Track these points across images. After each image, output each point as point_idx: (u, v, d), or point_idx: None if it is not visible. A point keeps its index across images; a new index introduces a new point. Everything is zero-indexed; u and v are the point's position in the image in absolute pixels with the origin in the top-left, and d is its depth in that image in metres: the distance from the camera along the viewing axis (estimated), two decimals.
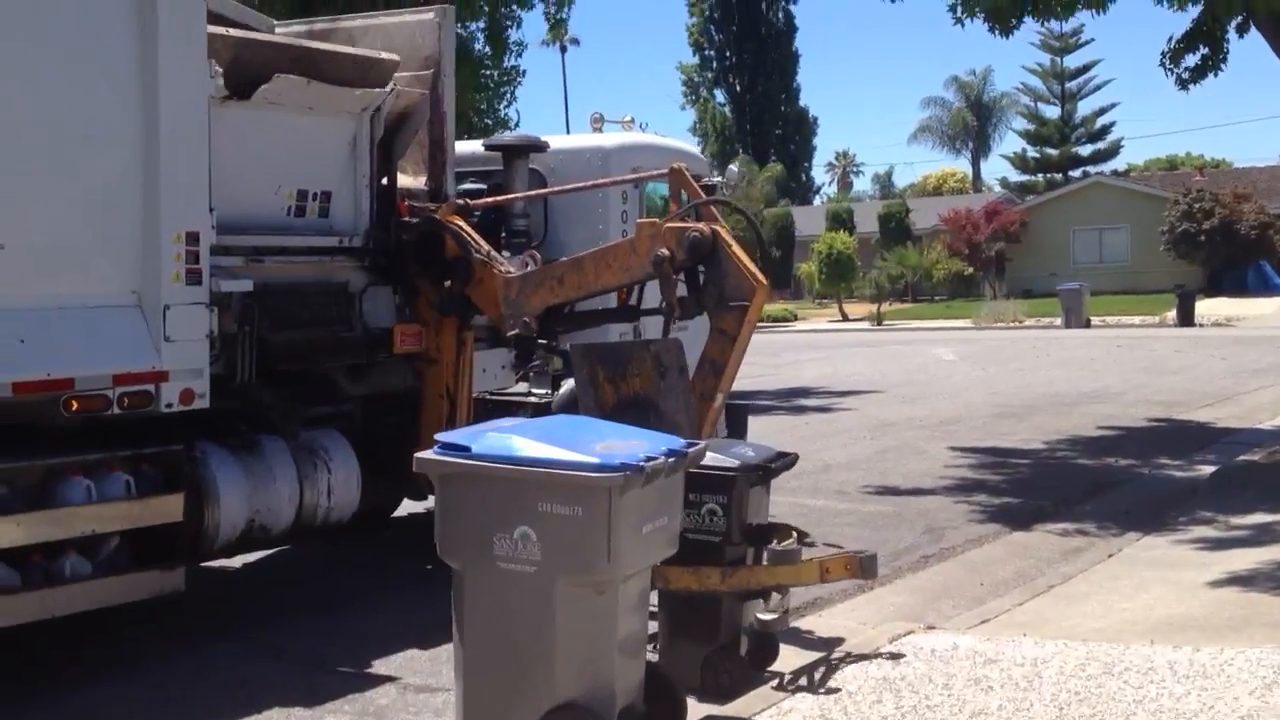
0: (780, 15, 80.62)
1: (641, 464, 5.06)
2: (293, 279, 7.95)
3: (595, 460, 5.02)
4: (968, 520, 10.70)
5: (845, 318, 47.67)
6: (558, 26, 21.09)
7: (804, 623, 7.69)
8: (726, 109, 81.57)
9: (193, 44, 6.90)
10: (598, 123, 10.42)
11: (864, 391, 21.48)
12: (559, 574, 5.07)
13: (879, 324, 44.57)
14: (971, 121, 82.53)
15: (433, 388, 8.56)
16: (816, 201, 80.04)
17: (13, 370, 6.25)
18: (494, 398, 9.41)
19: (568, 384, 9.38)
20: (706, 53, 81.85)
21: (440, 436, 5.38)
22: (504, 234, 9.42)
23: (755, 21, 79.07)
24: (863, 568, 6.54)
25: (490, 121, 20.81)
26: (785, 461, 6.77)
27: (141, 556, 6.90)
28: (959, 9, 13.77)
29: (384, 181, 8.53)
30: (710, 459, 6.00)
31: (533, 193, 9.35)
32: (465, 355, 8.57)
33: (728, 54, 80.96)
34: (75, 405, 6.53)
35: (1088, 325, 38.28)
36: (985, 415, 17.75)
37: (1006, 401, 19.29)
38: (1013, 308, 42.82)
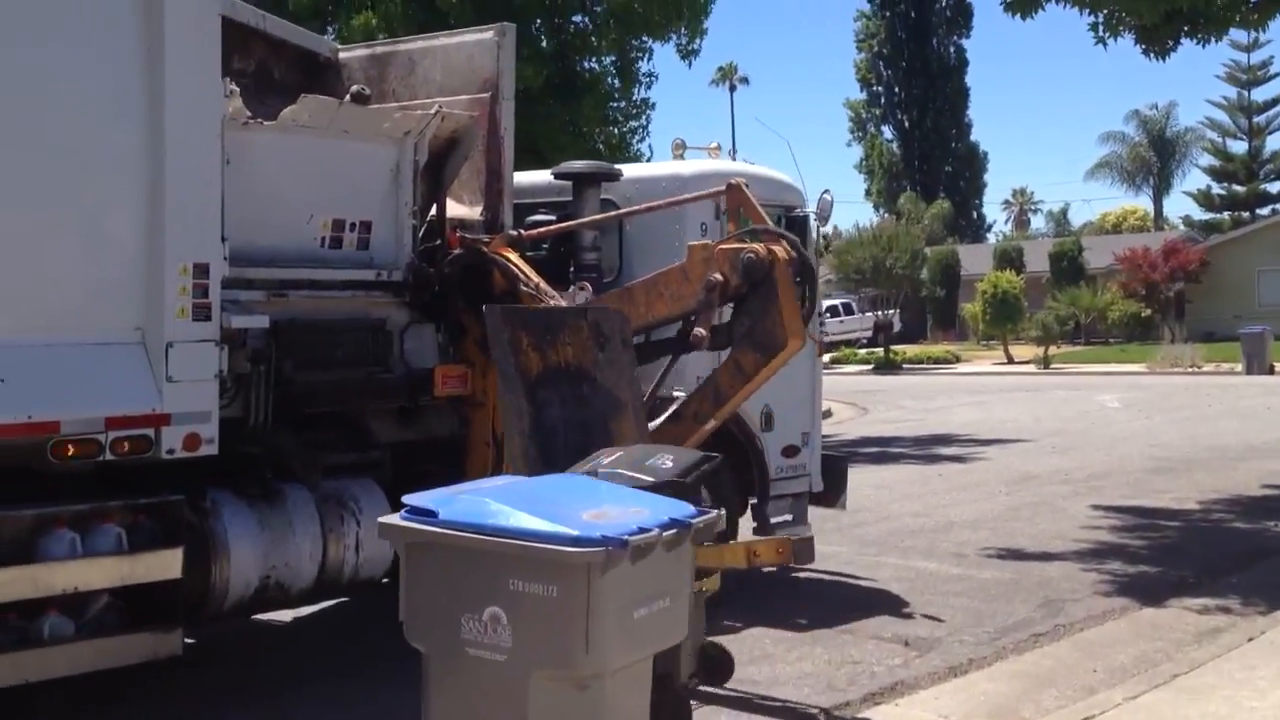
0: (951, 50, 78.84)
1: (628, 537, 4.28)
2: (323, 315, 7.36)
3: (574, 532, 4.25)
4: (1093, 592, 9.50)
5: (1010, 360, 45.64)
6: (690, 55, 20.37)
7: (877, 713, 6.73)
8: (894, 145, 79.98)
9: (204, 62, 6.36)
10: (679, 149, 9.65)
11: (1011, 440, 20.11)
12: (532, 665, 4.32)
13: (1045, 367, 42.50)
14: (1152, 158, 79.01)
15: (478, 433, 7.87)
16: (990, 239, 77.73)
17: None
18: None
19: None
20: (874, 89, 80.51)
21: (409, 499, 4.70)
22: (572, 269, 8.69)
23: (925, 57, 77.45)
24: (796, 553, 6.06)
25: (622, 156, 20.24)
26: (703, 470, 5.84)
27: (138, 617, 6.34)
28: (1100, 27, 12.66)
29: (431, 211, 7.91)
30: (628, 477, 5.35)
31: (585, 220, 8.58)
32: None
33: (896, 90, 79.48)
34: (62, 451, 6.02)
35: (1271, 372, 35.75)
36: (1139, 469, 16.29)
37: (1165, 454, 17.73)
38: (1190, 352, 40.33)
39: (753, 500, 9.39)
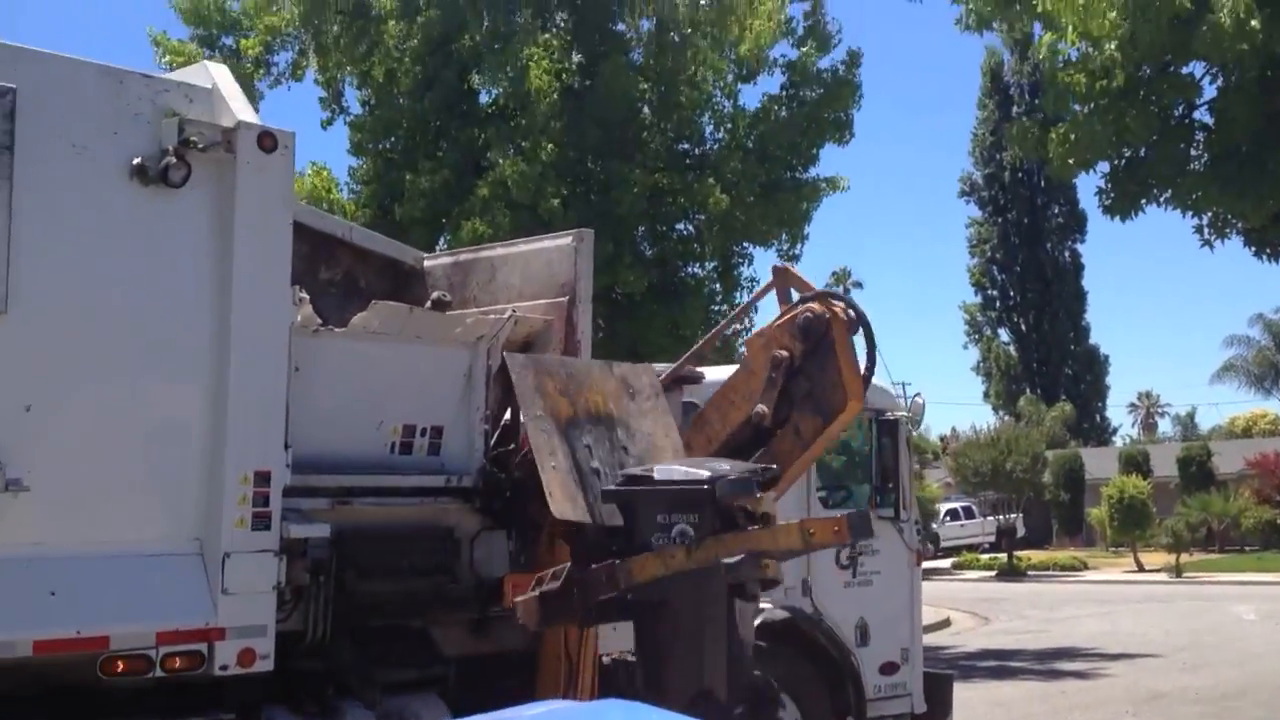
0: (1066, 254, 78.53)
1: None
2: (388, 523, 7.14)
3: None
4: None
5: (1140, 568, 43.66)
6: (791, 260, 20.45)
7: None
8: (1011, 347, 79.16)
9: (272, 271, 6.37)
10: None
11: (1139, 655, 18.91)
12: None
13: (1178, 576, 40.51)
14: None
15: (550, 647, 7.49)
16: (1116, 442, 75.58)
17: (35, 627, 5.59)
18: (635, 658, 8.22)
19: None
20: (989, 292, 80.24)
21: None
22: None
23: (1039, 262, 77.18)
24: (851, 527, 6.03)
25: (727, 359, 20.18)
26: (759, 476, 6.07)
27: None
28: (1206, 230, 12.35)
29: (505, 415, 7.74)
30: (681, 474, 5.69)
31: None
32: None
33: (1011, 293, 79.08)
34: (111, 667, 5.81)
35: None
36: (1277, 687, 15.10)
37: None
38: None
39: None
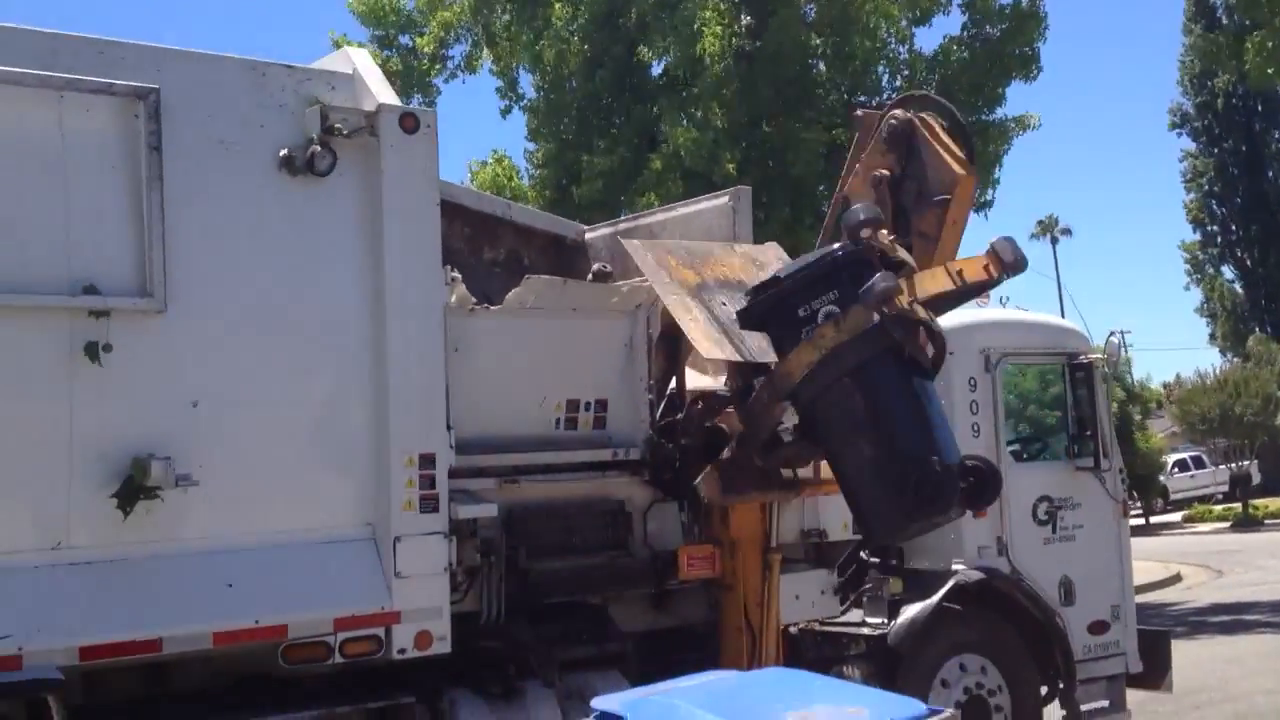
0: None
1: None
2: (557, 499, 7.06)
3: None
4: None
5: None
6: (983, 207, 19.65)
7: None
8: (1236, 285, 75.07)
9: (423, 253, 6.34)
10: None
11: None
12: None
13: None
14: None
15: (731, 619, 7.31)
16: None
17: (214, 618, 5.70)
18: (823, 628, 7.97)
19: (909, 610, 7.80)
20: (1209, 228, 76.07)
21: (596, 702, 4.27)
22: None
23: (1261, 192, 72.80)
24: (1001, 256, 6.20)
25: None
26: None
27: None
28: None
29: (671, 384, 7.57)
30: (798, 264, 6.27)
31: None
32: (771, 580, 7.28)
33: (1233, 227, 74.86)
34: (293, 655, 5.89)
35: None
36: None
37: None
38: None
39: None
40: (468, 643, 6.53)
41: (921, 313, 6.13)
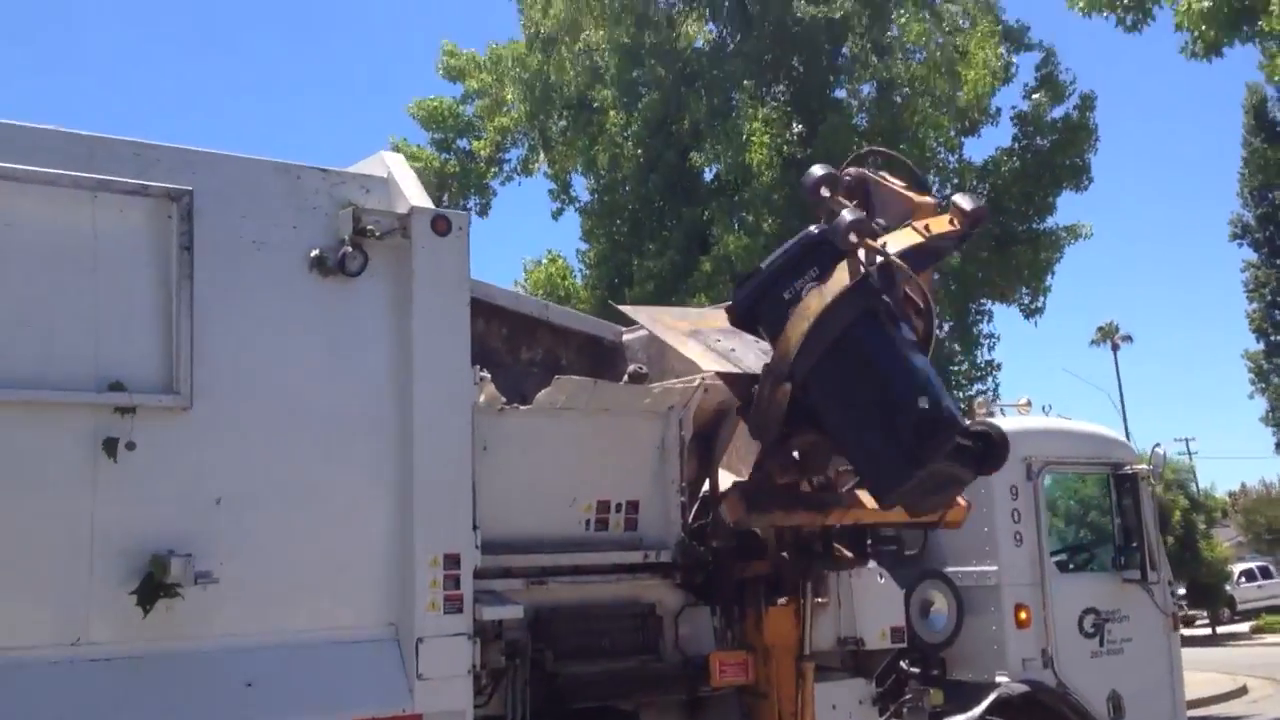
0: None
1: None
2: (586, 601, 6.96)
3: None
4: None
5: None
6: (1034, 314, 19.49)
7: None
8: None
9: (452, 353, 6.33)
10: (981, 406, 8.86)
11: None
12: None
13: None
14: None
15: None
16: None
17: (233, 718, 5.61)
18: None
19: None
20: (1273, 338, 74.81)
21: None
22: (869, 540, 7.95)
23: None
24: (965, 211, 6.34)
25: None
26: None
27: None
28: None
29: (704, 486, 7.47)
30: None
31: None
32: (805, 689, 7.09)
33: None
34: None
35: None
36: None
37: None
38: None
39: None
40: None
41: (898, 261, 6.21)
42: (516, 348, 8.65)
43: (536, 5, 20.28)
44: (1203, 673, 24.75)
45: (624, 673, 6.95)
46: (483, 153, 21.44)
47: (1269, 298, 73.16)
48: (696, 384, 7.32)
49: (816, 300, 6.10)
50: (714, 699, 7.22)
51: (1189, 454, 70.66)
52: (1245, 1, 11.24)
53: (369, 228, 6.16)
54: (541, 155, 21.34)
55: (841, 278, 6.11)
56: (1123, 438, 8.92)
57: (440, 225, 6.34)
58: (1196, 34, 11.82)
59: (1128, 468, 8.51)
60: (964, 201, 6.47)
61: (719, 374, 6.88)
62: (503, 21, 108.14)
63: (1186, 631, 40.86)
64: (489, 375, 6.76)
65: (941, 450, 5.86)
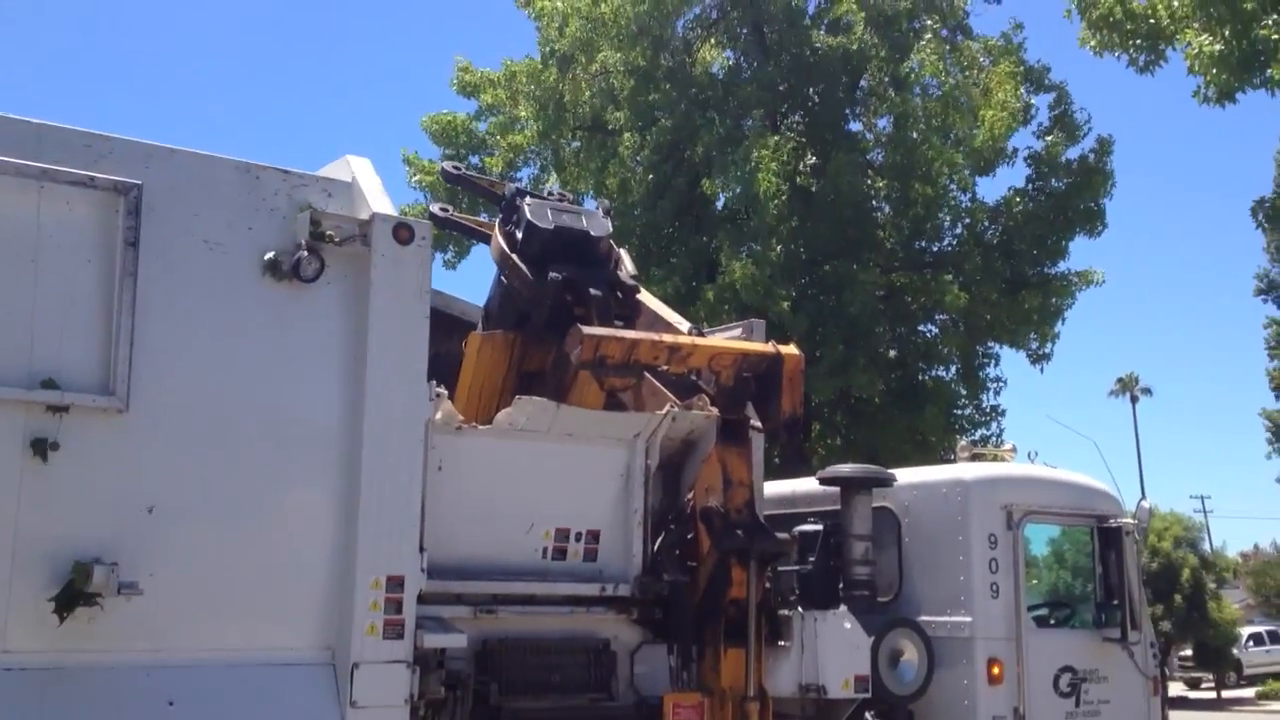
0: None
1: None
2: (538, 634, 6.67)
3: None
4: None
5: None
6: (1041, 360, 19.16)
7: None
8: None
9: (408, 365, 6.11)
10: (965, 450, 8.58)
11: None
12: None
13: None
14: None
15: None
16: None
17: None
18: None
19: None
20: None
21: None
22: (841, 586, 7.66)
23: None
24: None
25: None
26: None
27: None
28: None
29: (669, 520, 7.20)
30: None
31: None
32: None
33: None
34: None
35: None
36: None
37: None
38: None
39: None
40: None
41: None
42: None
43: (553, 24, 20.15)
44: None
45: (573, 710, 6.65)
46: (494, 169, 21.27)
47: None
48: (664, 412, 7.07)
49: None
50: None
51: (1204, 512, 70.17)
52: (1258, 46, 10.94)
53: (328, 232, 5.96)
54: (553, 175, 21.17)
55: None
56: (1110, 490, 8.61)
57: (402, 234, 6.14)
58: (1209, 79, 11.54)
59: (1112, 521, 8.21)
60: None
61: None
62: (519, 40, 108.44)
63: (1192, 694, 40.54)
64: (446, 392, 6.51)
65: None
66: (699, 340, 7.13)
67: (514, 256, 7.52)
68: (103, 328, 5.46)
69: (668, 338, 6.94)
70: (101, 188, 5.50)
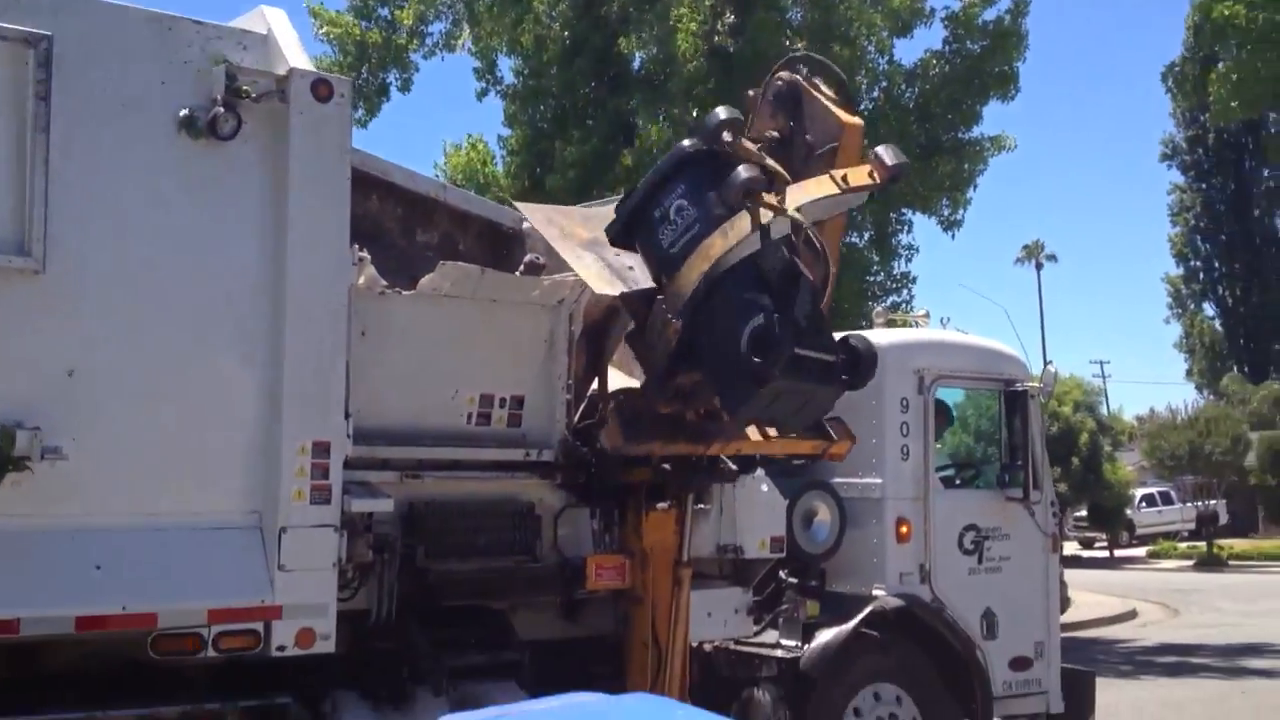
0: (1277, 223, 73.99)
1: None
2: (463, 498, 6.74)
3: None
4: None
5: None
6: (952, 227, 19.38)
7: None
8: (1217, 322, 75.12)
9: (330, 226, 6.00)
10: (880, 316, 8.74)
11: None
12: None
13: None
14: None
15: (638, 633, 7.02)
16: None
17: (78, 602, 5.36)
18: (737, 648, 7.69)
19: (824, 635, 7.54)
20: (1192, 264, 76.11)
21: None
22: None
23: (1247, 230, 72.89)
24: (887, 164, 6.07)
25: None
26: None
27: None
28: None
29: (592, 384, 7.26)
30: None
31: None
32: (682, 595, 6.99)
33: (1216, 265, 74.94)
34: (163, 645, 5.57)
35: None
36: None
37: None
38: None
39: None
40: (357, 644, 6.26)
41: (796, 215, 6.00)
42: (412, 230, 8.30)
43: None
44: (1095, 595, 25.41)
45: (498, 572, 6.78)
46: (405, 23, 20.64)
47: (1192, 222, 74.58)
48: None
49: (720, 241, 5.86)
50: (590, 602, 7.11)
51: (1103, 377, 72.25)
52: None
53: (244, 88, 5.75)
54: (466, 30, 20.64)
55: (743, 225, 5.86)
56: (1018, 354, 8.84)
57: (321, 90, 5.96)
58: None
59: (1019, 384, 8.45)
60: (886, 155, 6.20)
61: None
62: None
63: (1085, 554, 42.21)
64: (369, 256, 6.44)
65: (777, 363, 5.65)
66: None
67: None
68: (15, 186, 5.28)
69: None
70: (10, 39, 5.26)
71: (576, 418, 7.10)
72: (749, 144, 6.29)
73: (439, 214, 8.37)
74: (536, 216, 7.10)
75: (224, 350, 5.80)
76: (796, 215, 6.00)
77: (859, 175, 6.19)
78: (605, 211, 7.00)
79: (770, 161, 6.21)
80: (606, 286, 6.48)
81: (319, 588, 5.85)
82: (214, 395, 5.76)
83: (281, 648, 5.72)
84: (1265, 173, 72.62)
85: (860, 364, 6.10)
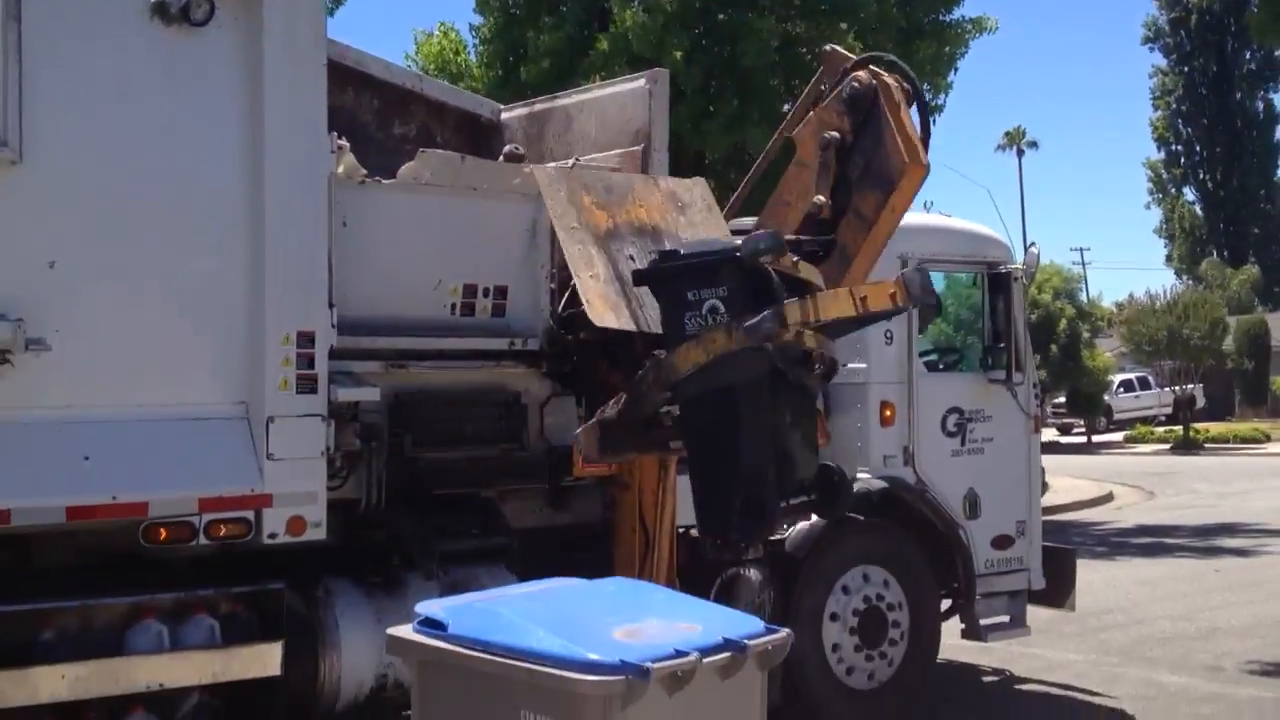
0: (1259, 105, 73.70)
1: (653, 664, 3.42)
2: (449, 387, 6.76)
3: (590, 656, 3.47)
4: None
5: None
6: (933, 112, 19.17)
7: None
8: (1197, 207, 75.20)
9: (307, 119, 5.93)
10: None
11: None
12: None
13: None
14: None
15: (625, 519, 7.08)
16: None
17: (68, 492, 5.40)
18: None
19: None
20: (1174, 148, 75.89)
21: (420, 607, 4.03)
22: None
23: (1228, 113, 72.61)
24: (909, 286, 5.73)
25: None
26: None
27: (236, 718, 5.86)
28: None
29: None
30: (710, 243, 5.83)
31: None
32: (668, 480, 7.05)
33: (1197, 148, 74.77)
34: (154, 535, 5.63)
35: None
36: None
37: None
38: None
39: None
40: (349, 532, 6.33)
41: (811, 341, 5.78)
42: (389, 122, 8.27)
43: None
44: (1073, 479, 25.80)
45: (485, 460, 6.82)
46: None
47: (1173, 105, 74.15)
48: (570, 165, 7.03)
49: (723, 339, 5.69)
50: (577, 489, 7.18)
51: (1083, 264, 72.48)
52: None
53: None
54: None
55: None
56: (1001, 237, 8.85)
57: None
58: None
59: (1002, 267, 8.47)
60: (912, 285, 5.84)
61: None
62: None
63: (1063, 440, 42.68)
64: (347, 144, 6.38)
65: (760, 532, 6.08)
66: None
67: None
68: None
69: None
70: None
71: (560, 306, 7.09)
72: (788, 258, 5.93)
73: (416, 106, 8.33)
74: (558, 195, 6.60)
75: (205, 240, 5.77)
76: (809, 343, 5.81)
77: (879, 298, 5.86)
78: (631, 185, 6.83)
79: (806, 272, 6.00)
80: (608, 315, 6.32)
81: (309, 476, 5.90)
82: (196, 285, 5.75)
83: (273, 535, 5.80)
84: (1248, 54, 72.12)
85: (839, 496, 6.28)
